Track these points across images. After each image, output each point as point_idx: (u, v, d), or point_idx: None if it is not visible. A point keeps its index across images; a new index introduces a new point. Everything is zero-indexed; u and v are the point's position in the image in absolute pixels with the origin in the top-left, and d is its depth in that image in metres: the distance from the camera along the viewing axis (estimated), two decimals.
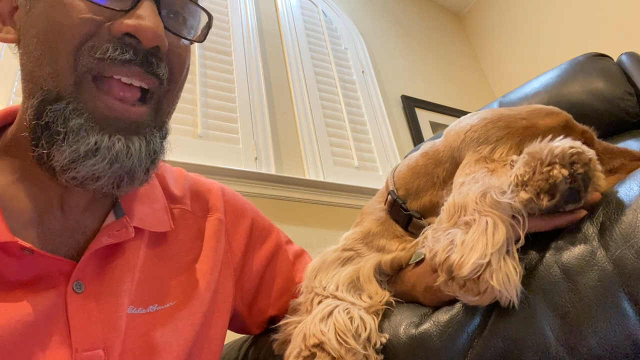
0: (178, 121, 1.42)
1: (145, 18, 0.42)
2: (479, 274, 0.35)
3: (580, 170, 0.36)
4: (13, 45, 0.47)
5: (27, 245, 0.40)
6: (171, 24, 0.46)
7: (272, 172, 1.53)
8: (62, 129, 0.40)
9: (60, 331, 0.41)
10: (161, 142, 0.47)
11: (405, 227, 0.56)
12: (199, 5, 0.49)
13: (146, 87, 0.45)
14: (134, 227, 0.49)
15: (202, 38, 0.50)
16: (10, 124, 0.49)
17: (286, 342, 0.51)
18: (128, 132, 0.43)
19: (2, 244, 0.40)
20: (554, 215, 0.38)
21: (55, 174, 0.42)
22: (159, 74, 0.44)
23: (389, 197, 0.57)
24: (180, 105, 0.51)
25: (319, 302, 0.51)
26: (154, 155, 0.45)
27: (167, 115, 0.49)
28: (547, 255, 0.37)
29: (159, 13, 0.44)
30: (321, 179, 1.63)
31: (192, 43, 0.50)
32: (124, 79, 0.43)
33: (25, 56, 0.44)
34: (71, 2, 0.41)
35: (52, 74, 0.41)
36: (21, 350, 0.38)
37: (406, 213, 0.55)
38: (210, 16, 0.50)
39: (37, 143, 0.42)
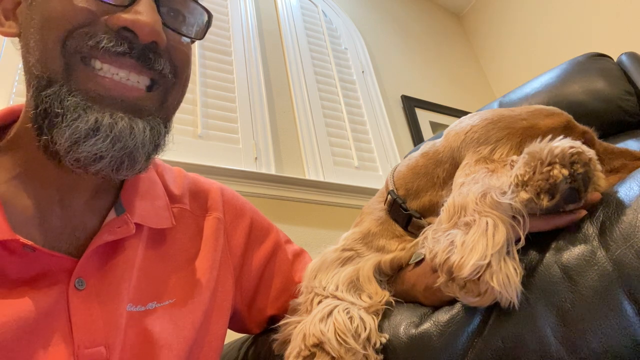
0: (178, 121, 1.42)
1: (143, 13, 0.42)
2: (479, 275, 0.35)
3: (580, 170, 0.36)
4: (16, 42, 0.47)
5: (29, 242, 0.40)
6: (171, 21, 0.47)
7: (272, 172, 1.53)
8: (59, 110, 0.40)
9: (62, 328, 0.41)
10: (165, 133, 0.47)
11: (405, 227, 0.56)
12: (199, 4, 0.50)
13: (148, 82, 0.45)
14: (135, 224, 0.49)
15: (201, 35, 0.51)
16: (15, 121, 0.49)
17: (286, 342, 0.51)
18: (131, 112, 0.43)
19: (4, 241, 0.40)
20: (554, 215, 0.38)
21: (61, 160, 0.42)
22: (157, 68, 0.44)
23: (389, 197, 0.57)
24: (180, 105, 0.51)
25: (319, 302, 0.51)
26: (158, 143, 0.45)
27: (172, 110, 0.49)
28: (547, 255, 0.37)
29: (159, 10, 0.44)
30: (321, 179, 1.63)
31: (193, 42, 0.51)
32: (121, 74, 0.43)
33: (24, 48, 0.45)
34: None
35: (41, 60, 0.42)
36: (23, 347, 0.38)
37: (406, 213, 0.55)
38: (209, 14, 0.51)
39: (41, 131, 0.42)
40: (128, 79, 0.43)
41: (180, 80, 0.48)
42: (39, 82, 0.42)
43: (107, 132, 0.41)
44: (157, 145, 0.45)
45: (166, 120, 0.47)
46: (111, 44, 0.41)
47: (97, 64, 0.42)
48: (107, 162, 0.42)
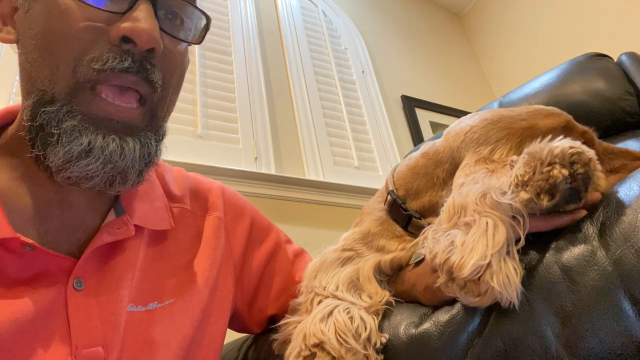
0: (178, 121, 1.42)
1: (141, 20, 0.42)
2: (479, 275, 0.35)
3: (580, 170, 0.36)
4: (14, 46, 0.47)
5: (29, 241, 0.40)
6: (168, 25, 0.47)
7: (272, 172, 1.53)
8: (55, 131, 0.41)
9: (60, 328, 0.41)
10: (156, 145, 0.47)
11: (405, 227, 0.56)
12: (197, 8, 0.49)
13: (141, 92, 0.45)
14: (135, 225, 0.49)
15: (199, 40, 0.50)
16: (10, 123, 0.49)
17: (286, 342, 0.51)
18: (122, 132, 0.43)
19: (4, 240, 0.40)
20: (554, 215, 0.38)
21: (52, 175, 0.43)
22: (152, 79, 0.44)
23: (389, 197, 0.57)
24: (180, 105, 0.51)
25: (319, 302, 0.51)
26: (148, 158, 0.46)
27: (163, 119, 0.49)
28: (547, 255, 0.37)
29: (156, 15, 0.44)
30: (321, 179, 1.63)
31: (189, 45, 0.50)
32: (123, 104, 0.43)
33: (23, 57, 0.44)
34: (68, 7, 0.42)
35: (50, 77, 0.42)
36: (21, 347, 0.39)
37: (406, 213, 0.55)
38: (208, 18, 0.50)
39: (34, 144, 0.42)
40: (128, 87, 0.44)
41: (170, 90, 0.48)
42: (43, 96, 0.42)
43: (99, 155, 0.41)
44: (148, 161, 0.46)
45: (157, 131, 0.48)
46: (116, 61, 0.42)
47: (104, 95, 0.43)
48: (99, 181, 0.43)
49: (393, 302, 0.50)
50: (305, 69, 1.91)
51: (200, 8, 0.50)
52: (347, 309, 0.47)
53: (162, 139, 0.49)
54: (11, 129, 0.48)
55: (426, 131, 2.18)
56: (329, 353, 0.44)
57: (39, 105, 0.42)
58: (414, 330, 0.44)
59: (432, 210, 0.54)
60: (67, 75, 0.41)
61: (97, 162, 0.41)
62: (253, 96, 1.67)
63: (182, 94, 0.52)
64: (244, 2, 1.92)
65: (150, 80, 0.44)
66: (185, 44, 0.49)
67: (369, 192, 1.66)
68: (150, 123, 0.46)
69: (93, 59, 0.42)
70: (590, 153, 0.37)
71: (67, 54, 0.41)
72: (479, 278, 0.36)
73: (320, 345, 0.44)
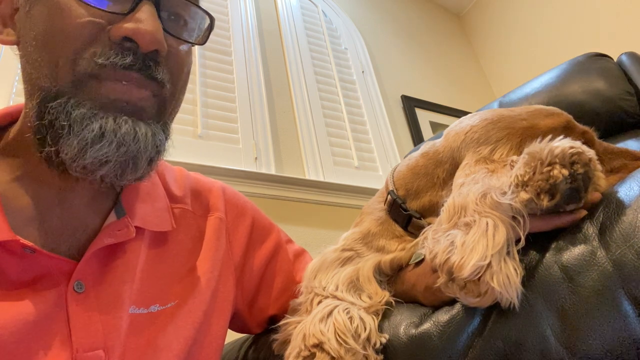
0: (178, 121, 1.41)
1: (144, 21, 0.42)
2: (479, 275, 0.35)
3: (581, 170, 0.36)
4: (15, 48, 0.46)
5: (29, 244, 0.40)
6: (171, 26, 0.46)
7: (272, 172, 1.53)
8: (65, 123, 0.40)
9: (61, 331, 0.41)
10: (165, 140, 0.47)
11: (405, 227, 0.56)
12: (200, 8, 0.49)
13: (146, 92, 0.44)
14: (135, 227, 0.49)
15: (203, 41, 0.50)
16: (11, 123, 0.49)
17: (286, 342, 0.51)
18: (134, 115, 0.42)
19: (4, 242, 0.40)
20: (554, 216, 0.38)
21: (66, 169, 0.42)
22: (157, 77, 0.44)
23: (389, 197, 0.57)
24: None
25: (319, 302, 0.51)
26: (159, 147, 0.45)
27: (169, 117, 0.49)
28: (547, 255, 0.37)
29: (159, 15, 0.43)
30: (321, 179, 1.63)
31: (192, 45, 0.50)
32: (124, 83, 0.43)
33: (24, 58, 0.44)
34: (69, 6, 0.41)
35: (50, 74, 0.41)
36: (22, 350, 0.38)
37: (406, 213, 0.55)
38: (212, 18, 0.50)
39: (43, 143, 0.42)
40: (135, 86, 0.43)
41: (177, 88, 0.48)
42: (47, 93, 0.41)
43: (112, 137, 0.41)
44: (158, 150, 0.45)
45: (164, 127, 0.47)
46: (117, 57, 0.41)
47: (109, 81, 0.42)
48: (112, 166, 0.42)
49: (393, 302, 0.50)
50: (305, 69, 1.91)
51: (204, 8, 0.49)
52: (346, 309, 0.47)
53: (168, 137, 0.48)
54: (13, 131, 0.48)
55: (426, 131, 2.18)
56: (328, 353, 0.43)
57: (44, 103, 0.41)
58: (414, 331, 0.44)
59: (432, 210, 0.54)
60: (67, 69, 0.41)
61: (110, 146, 0.40)
62: (253, 96, 1.67)
63: None
64: (244, 2, 1.92)
65: (155, 77, 0.44)
66: (189, 44, 0.49)
67: (369, 192, 1.66)
68: (159, 116, 0.46)
69: (95, 54, 0.41)
70: (591, 153, 0.37)
71: (67, 49, 0.41)
72: (479, 278, 0.36)
73: (319, 345, 0.44)
